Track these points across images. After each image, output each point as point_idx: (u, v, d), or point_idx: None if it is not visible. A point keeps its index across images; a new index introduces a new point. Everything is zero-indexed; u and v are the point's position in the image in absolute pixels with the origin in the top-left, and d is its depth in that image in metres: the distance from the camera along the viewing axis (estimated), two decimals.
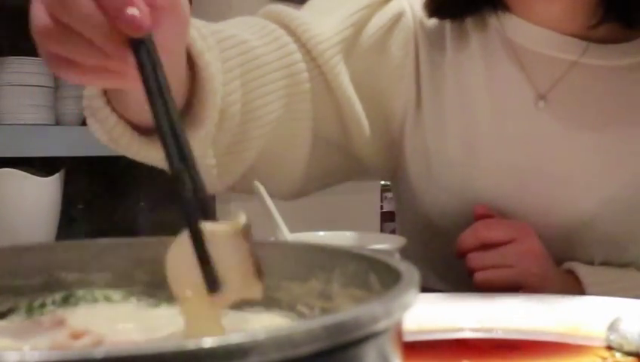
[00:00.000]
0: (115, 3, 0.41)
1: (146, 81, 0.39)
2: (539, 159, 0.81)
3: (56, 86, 1.95)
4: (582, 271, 0.77)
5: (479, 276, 0.74)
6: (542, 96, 0.81)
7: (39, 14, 0.43)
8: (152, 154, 0.59)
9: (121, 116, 0.58)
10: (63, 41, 0.43)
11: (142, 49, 0.40)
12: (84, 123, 2.15)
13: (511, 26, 0.83)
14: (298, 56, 0.75)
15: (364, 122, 0.82)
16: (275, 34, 0.75)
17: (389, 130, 0.85)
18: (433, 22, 0.85)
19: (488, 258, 0.75)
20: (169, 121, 0.37)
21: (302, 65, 0.76)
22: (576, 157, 0.80)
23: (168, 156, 0.36)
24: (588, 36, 0.81)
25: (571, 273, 0.78)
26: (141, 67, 0.40)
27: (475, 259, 0.75)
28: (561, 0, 0.78)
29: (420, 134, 0.85)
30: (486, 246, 0.75)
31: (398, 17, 0.84)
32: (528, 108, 0.81)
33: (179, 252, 0.32)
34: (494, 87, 0.83)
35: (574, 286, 0.76)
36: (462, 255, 0.76)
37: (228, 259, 0.32)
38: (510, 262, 0.74)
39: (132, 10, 0.40)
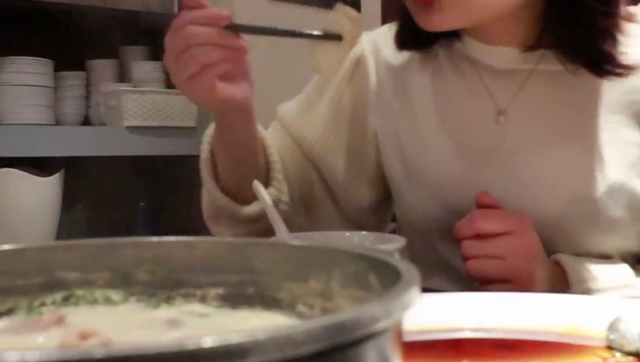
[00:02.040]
0: (208, 17, 0.73)
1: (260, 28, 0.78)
2: (504, 169, 0.83)
3: (56, 86, 1.95)
4: (569, 267, 0.78)
5: (471, 264, 0.76)
6: (502, 111, 0.84)
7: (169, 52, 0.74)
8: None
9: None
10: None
11: (235, 26, 0.74)
12: (84, 123, 2.15)
13: (471, 46, 0.87)
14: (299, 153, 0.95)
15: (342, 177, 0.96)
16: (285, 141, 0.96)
17: (367, 163, 0.96)
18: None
19: (481, 247, 0.75)
20: None
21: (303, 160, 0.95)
22: (540, 163, 0.82)
23: None
24: (544, 45, 0.82)
25: (558, 264, 0.79)
26: (251, 29, 0.76)
27: (468, 246, 0.76)
28: (502, 19, 0.79)
29: (395, 153, 0.92)
30: (481, 236, 0.75)
31: (357, 63, 0.95)
32: (490, 123, 0.84)
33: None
34: (458, 105, 0.87)
35: (561, 278, 0.78)
36: (459, 241, 0.77)
37: None
38: (502, 253, 0.75)
39: (220, 12, 0.73)
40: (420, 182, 0.89)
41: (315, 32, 0.73)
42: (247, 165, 0.85)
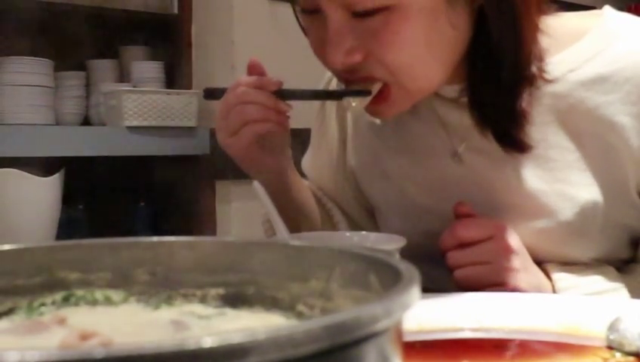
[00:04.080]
0: (259, 81, 0.81)
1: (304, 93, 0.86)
2: (471, 201, 0.82)
3: (56, 86, 1.95)
4: (555, 274, 0.78)
5: (458, 273, 0.76)
6: (457, 151, 0.85)
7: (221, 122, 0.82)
8: None
9: None
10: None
11: (282, 92, 0.81)
12: (84, 123, 2.15)
13: None
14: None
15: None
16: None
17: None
18: None
19: (466, 256, 0.76)
20: None
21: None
22: (504, 195, 0.82)
23: None
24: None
25: (544, 270, 0.79)
26: (297, 95, 0.85)
27: (453, 257, 0.77)
28: (438, 68, 0.77)
29: (378, 181, 0.95)
30: (464, 245, 0.76)
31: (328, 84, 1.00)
32: (447, 160, 0.86)
33: None
34: (418, 141, 0.89)
35: (547, 285, 0.78)
36: (444, 254, 0.78)
37: None
38: (487, 258, 0.76)
39: (270, 79, 0.82)
40: (399, 210, 0.91)
41: (353, 89, 0.79)
42: (293, 213, 0.91)
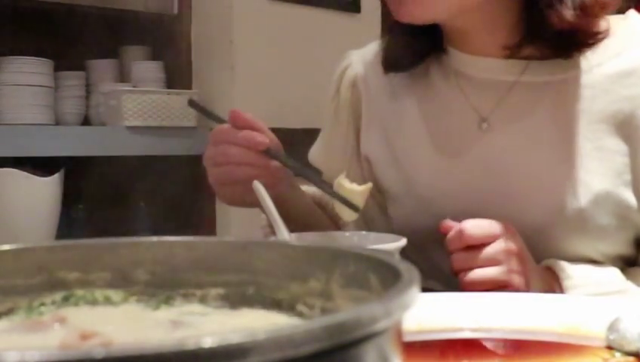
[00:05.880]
0: (247, 141, 0.80)
1: (292, 164, 0.82)
2: (489, 176, 0.85)
3: (56, 86, 1.95)
4: (562, 273, 0.79)
5: (464, 276, 0.76)
6: (485, 119, 0.86)
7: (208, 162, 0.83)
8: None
9: None
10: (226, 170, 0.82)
11: (270, 152, 0.80)
12: (84, 123, 2.15)
13: (454, 58, 0.90)
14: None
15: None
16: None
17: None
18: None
19: (472, 258, 0.76)
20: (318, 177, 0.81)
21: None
22: (523, 172, 0.84)
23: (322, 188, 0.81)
24: (528, 56, 0.85)
25: (550, 269, 0.80)
26: (283, 160, 0.82)
27: (458, 259, 0.77)
28: (483, 28, 0.81)
29: (391, 167, 0.94)
30: (470, 248, 0.76)
31: (353, 85, 0.99)
32: (473, 131, 0.87)
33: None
34: (442, 116, 0.90)
35: (553, 284, 0.79)
36: (449, 255, 0.78)
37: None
38: (493, 261, 0.76)
39: (257, 137, 0.80)
40: (414, 194, 0.91)
41: (340, 196, 0.77)
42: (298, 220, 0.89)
